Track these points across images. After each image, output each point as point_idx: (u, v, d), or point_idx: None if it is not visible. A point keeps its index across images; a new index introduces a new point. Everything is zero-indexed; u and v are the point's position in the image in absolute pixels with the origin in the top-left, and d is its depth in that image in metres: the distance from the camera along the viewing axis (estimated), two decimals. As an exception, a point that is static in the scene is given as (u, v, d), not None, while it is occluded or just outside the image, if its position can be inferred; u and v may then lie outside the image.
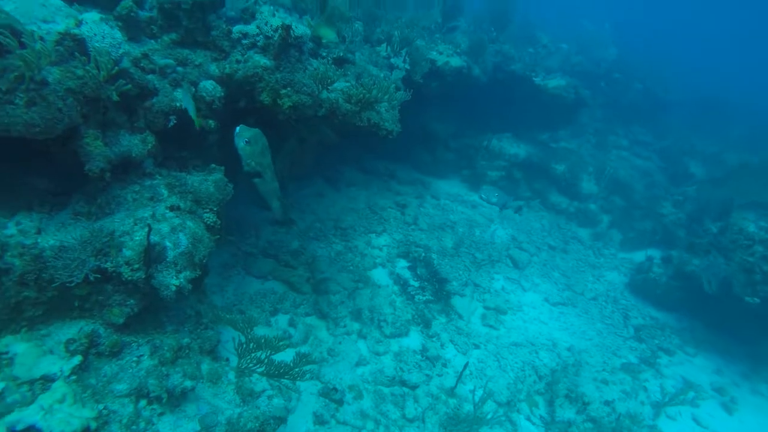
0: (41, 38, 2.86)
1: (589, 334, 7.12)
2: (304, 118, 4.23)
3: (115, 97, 3.26)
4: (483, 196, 6.28)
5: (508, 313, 7.17)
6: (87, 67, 3.05)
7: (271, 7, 4.21)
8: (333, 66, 4.21)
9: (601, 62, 15.38)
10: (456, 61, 7.97)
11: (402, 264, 7.35)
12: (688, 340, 7.62)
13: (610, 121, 15.90)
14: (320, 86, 4.07)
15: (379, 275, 6.97)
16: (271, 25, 3.96)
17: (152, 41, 4.02)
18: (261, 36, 4.02)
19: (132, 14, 3.75)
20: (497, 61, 10.23)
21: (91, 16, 3.27)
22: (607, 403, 5.84)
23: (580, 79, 13.09)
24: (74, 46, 3.10)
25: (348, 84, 4.28)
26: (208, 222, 3.95)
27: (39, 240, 3.24)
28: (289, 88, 4.00)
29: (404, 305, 6.58)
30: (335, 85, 4.14)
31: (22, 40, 2.68)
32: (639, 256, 9.49)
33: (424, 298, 6.81)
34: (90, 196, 3.60)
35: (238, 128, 3.98)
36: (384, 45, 6.69)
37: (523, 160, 11.20)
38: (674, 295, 8.22)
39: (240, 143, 4.01)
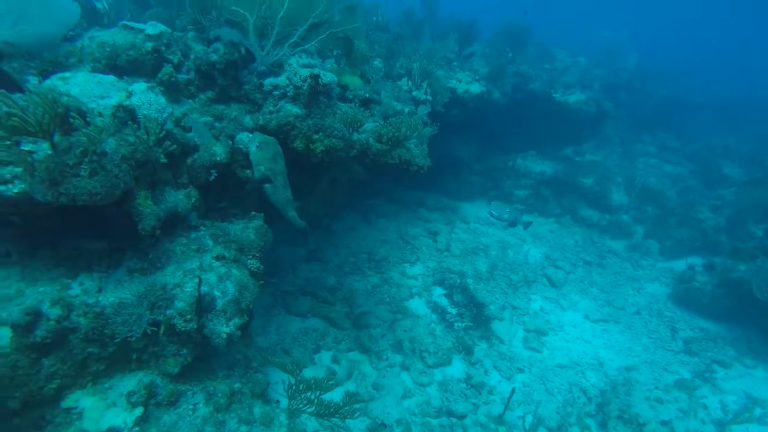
0: (100, 113, 3.10)
1: (635, 351, 6.94)
2: (336, 159, 4.37)
3: (163, 159, 3.46)
4: (494, 213, 6.28)
5: (550, 334, 7.06)
6: (138, 134, 3.26)
7: (299, 58, 4.42)
8: (361, 108, 4.36)
9: (621, 72, 15.33)
10: (476, 88, 8.10)
11: (438, 292, 7.37)
12: (745, 351, 7.31)
13: (634, 129, 15.74)
14: (351, 129, 4.22)
15: (417, 305, 6.99)
16: (300, 76, 4.16)
17: (191, 101, 4.26)
18: (291, 86, 4.22)
19: (172, 79, 4.00)
20: (515, 81, 10.33)
21: (139, 86, 3.52)
22: (664, 423, 5.65)
23: (600, 92, 13.09)
24: (126, 116, 3.34)
25: (377, 124, 4.42)
26: (252, 268, 4.09)
27: (100, 298, 3.42)
28: (320, 133, 4.17)
29: (444, 333, 6.57)
30: (365, 126, 4.29)
31: (87, 119, 2.91)
32: (679, 265, 9.25)
33: (463, 325, 6.78)
34: (142, 252, 3.78)
35: (252, 134, 4.08)
36: (405, 79, 6.87)
37: (550, 176, 11.16)
38: (722, 304, 7.95)
39: (251, 148, 4.02)
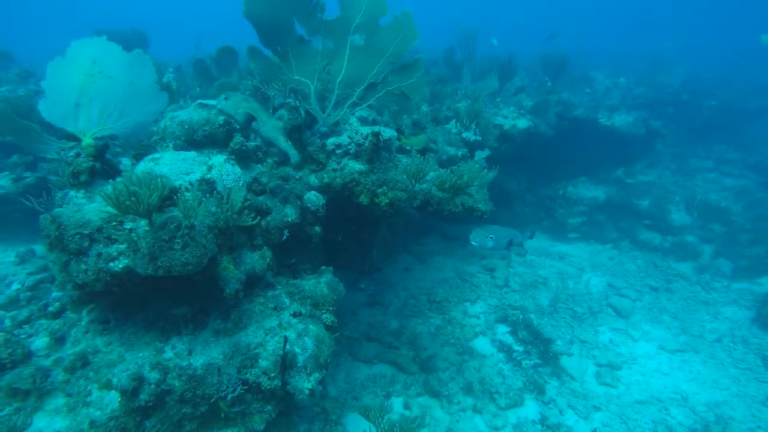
0: (187, 189, 3.38)
1: (723, 383, 6.53)
2: (399, 210, 4.50)
3: (249, 222, 3.69)
4: (476, 243, 5.81)
5: (624, 368, 6.77)
6: (220, 204, 3.51)
7: (357, 117, 4.65)
8: (421, 157, 4.51)
9: (666, 87, 14.97)
10: (523, 123, 8.15)
11: (502, 329, 7.25)
12: None
13: (686, 144, 15.22)
14: (414, 180, 4.36)
15: (482, 344, 6.90)
16: (362, 134, 4.37)
17: (259, 165, 4.53)
18: (353, 144, 4.43)
19: (242, 147, 4.29)
20: (558, 110, 10.32)
21: (217, 159, 3.80)
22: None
23: (646, 110, 12.83)
24: (208, 188, 3.61)
25: (438, 173, 4.55)
26: (327, 322, 4.21)
27: (192, 361, 3.62)
28: (384, 187, 4.33)
29: (513, 373, 6.43)
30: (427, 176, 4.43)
31: (178, 195, 3.18)
32: (762, 285, 8.71)
33: (532, 363, 6.62)
34: (225, 313, 3.99)
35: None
36: (453, 121, 7.03)
37: (603, 201, 10.92)
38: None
39: (220, 103, 4.34)
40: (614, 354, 7.00)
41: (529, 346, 6.86)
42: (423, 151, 5.14)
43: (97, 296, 3.81)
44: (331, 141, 4.53)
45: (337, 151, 4.51)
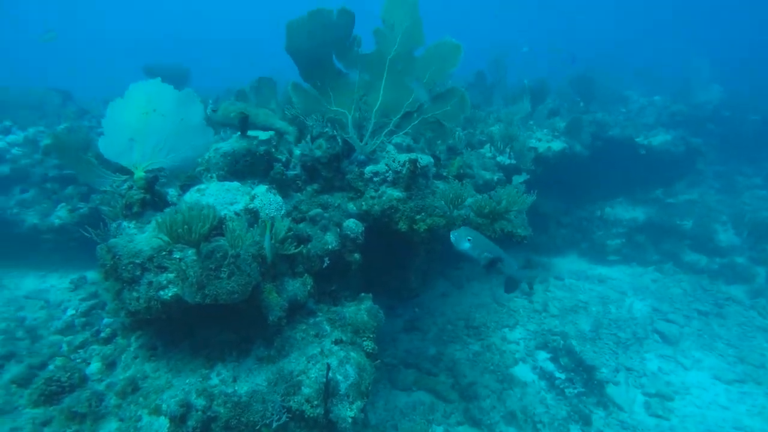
0: (232, 218, 3.49)
1: (790, 419, 6.13)
2: (438, 236, 4.51)
3: (292, 251, 3.77)
4: (453, 237, 4.92)
5: (676, 399, 6.45)
6: (263, 233, 3.60)
7: (393, 145, 4.73)
8: (458, 183, 4.53)
9: (705, 104, 14.58)
10: (557, 145, 8.09)
11: (543, 356, 7.06)
12: None
13: (730, 161, 14.69)
14: (452, 206, 4.38)
15: (523, 371, 6.73)
16: (399, 161, 4.44)
17: (299, 194, 4.64)
18: (390, 172, 4.50)
19: (282, 176, 4.41)
20: (593, 130, 10.19)
21: (260, 189, 3.92)
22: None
23: (684, 128, 12.50)
24: (252, 218, 3.72)
25: (476, 198, 4.55)
26: (368, 350, 4.21)
27: (236, 388, 3.67)
28: (422, 213, 4.36)
29: (556, 402, 6.22)
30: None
31: (224, 225, 3.29)
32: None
33: (575, 391, 6.40)
34: (268, 340, 4.04)
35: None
36: (487, 146, 7.04)
37: (643, 222, 10.62)
38: None
39: (212, 116, 4.48)
40: (664, 383, 6.70)
41: (572, 374, 6.65)
42: (459, 177, 5.16)
43: (146, 323, 3.94)
44: (368, 169, 4.61)
45: (375, 179, 4.59)
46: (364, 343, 4.28)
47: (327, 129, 4.72)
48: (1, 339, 5.75)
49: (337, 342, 4.10)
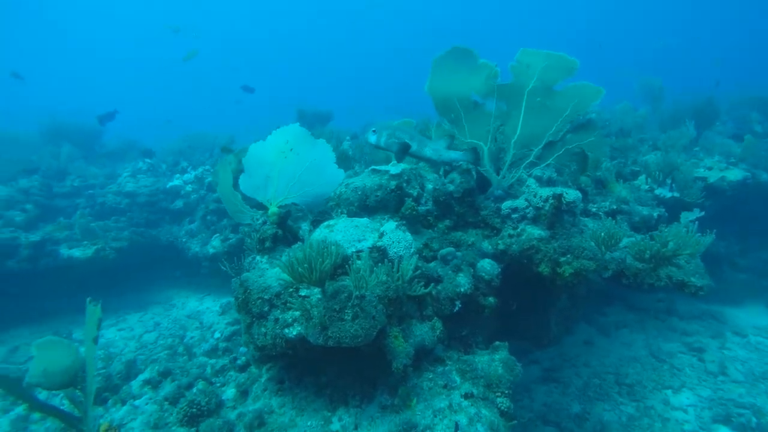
0: (358, 256, 3.36)
1: None
2: (586, 281, 3.89)
3: (420, 291, 3.52)
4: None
5: None
6: (390, 273, 3.39)
7: (534, 179, 4.27)
8: (611, 221, 3.89)
9: None
10: (735, 174, 6.77)
11: (724, 433, 5.72)
12: None
13: None
14: (603, 247, 3.75)
15: (696, 451, 5.50)
16: (541, 196, 3.96)
17: (430, 231, 4.39)
18: (531, 208, 4.04)
19: (414, 212, 4.20)
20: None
21: (389, 226, 3.76)
22: None
23: None
24: (379, 256, 3.55)
25: (633, 238, 3.86)
26: (502, 408, 3.71)
27: (357, 437, 3.45)
28: (568, 255, 3.80)
29: (746, 499, 4.92)
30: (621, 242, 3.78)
31: (349, 263, 3.16)
32: None
33: (775, 489, 5.01)
34: (392, 387, 3.77)
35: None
36: (642, 177, 6.13)
37: None
38: None
39: (371, 137, 4.24)
40: None
41: (769, 465, 5.25)
42: (611, 213, 4.46)
43: (274, 357, 3.95)
44: (506, 205, 4.20)
45: (513, 216, 4.15)
46: (498, 399, 3.79)
47: (461, 162, 4.44)
48: (166, 354, 6.39)
49: (467, 396, 3.68)
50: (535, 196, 4.00)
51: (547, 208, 3.91)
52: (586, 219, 4.35)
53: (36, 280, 7.85)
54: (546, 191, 3.96)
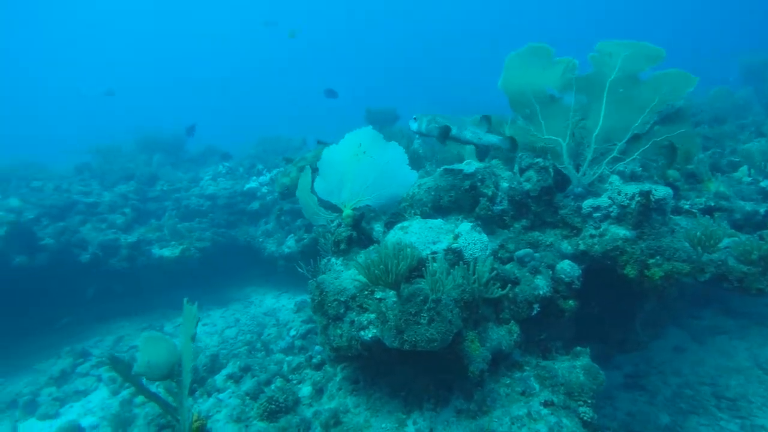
0: (433, 258, 3.32)
1: None
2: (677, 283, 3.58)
3: (497, 293, 3.42)
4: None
5: None
6: (466, 276, 3.32)
7: (617, 174, 4.00)
8: (708, 218, 3.56)
9: None
10: None
11: None
12: None
13: None
14: (699, 248, 3.43)
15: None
16: (626, 194, 3.70)
17: (505, 231, 4.25)
18: (615, 206, 3.78)
19: (489, 212, 4.08)
20: None
21: (464, 227, 3.68)
22: None
23: None
24: (455, 258, 3.48)
25: (736, 239, 3.50)
26: (585, 418, 3.51)
27: (433, 441, 3.41)
28: (658, 257, 3.51)
29: None
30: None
31: (425, 266, 3.13)
32: None
33: None
34: (467, 391, 3.70)
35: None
36: (744, 168, 5.55)
37: None
38: None
39: (412, 125, 4.15)
40: None
41: None
42: (708, 210, 4.08)
43: (350, 358, 4.00)
44: (587, 203, 3.96)
45: (595, 215, 3.91)
46: (581, 409, 3.59)
47: (538, 159, 4.25)
48: (245, 350, 6.72)
49: (546, 404, 3.53)
50: (619, 194, 3.74)
51: (633, 206, 3.64)
52: (677, 217, 4.00)
53: (133, 278, 8.56)
54: (632, 188, 3.69)
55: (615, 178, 3.99)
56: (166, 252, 8.60)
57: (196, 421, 3.64)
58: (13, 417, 6.06)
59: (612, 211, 3.81)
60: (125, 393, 6.19)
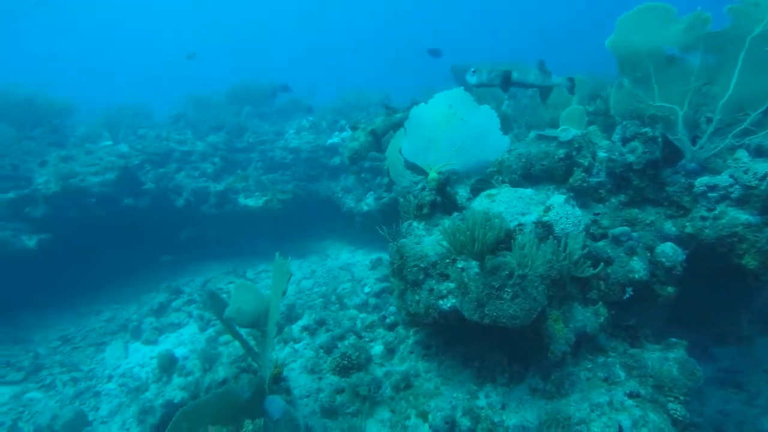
0: (520, 230, 3.13)
1: None
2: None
3: (588, 272, 3.19)
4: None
5: None
6: (556, 251, 3.10)
7: (746, 152, 3.48)
8: None
9: None
10: None
11: None
12: None
13: None
14: None
15: None
16: (755, 173, 3.21)
17: (600, 205, 3.93)
18: (737, 186, 3.31)
19: (584, 184, 3.77)
20: None
21: (556, 199, 3.42)
22: None
23: None
24: (544, 232, 3.26)
25: None
26: (675, 415, 3.25)
27: (504, 417, 3.33)
28: (788, 249, 3.06)
29: None
30: None
31: (513, 238, 2.95)
32: None
33: None
34: (545, 370, 3.54)
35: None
36: None
37: None
38: None
39: (471, 78, 3.96)
40: None
41: None
42: None
43: (425, 324, 3.96)
44: (701, 181, 3.51)
45: (710, 194, 3.46)
46: (670, 405, 3.32)
47: (647, 129, 3.80)
48: (320, 302, 6.95)
49: (632, 395, 3.29)
50: (746, 172, 3.26)
51: (763, 187, 3.17)
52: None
53: (221, 224, 9.08)
54: (764, 167, 3.20)
55: (743, 153, 3.47)
56: (251, 202, 9.00)
57: (275, 368, 3.81)
58: (125, 338, 6.84)
59: (733, 192, 3.34)
60: (211, 330, 6.68)
